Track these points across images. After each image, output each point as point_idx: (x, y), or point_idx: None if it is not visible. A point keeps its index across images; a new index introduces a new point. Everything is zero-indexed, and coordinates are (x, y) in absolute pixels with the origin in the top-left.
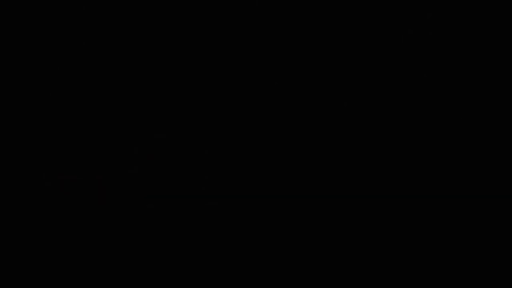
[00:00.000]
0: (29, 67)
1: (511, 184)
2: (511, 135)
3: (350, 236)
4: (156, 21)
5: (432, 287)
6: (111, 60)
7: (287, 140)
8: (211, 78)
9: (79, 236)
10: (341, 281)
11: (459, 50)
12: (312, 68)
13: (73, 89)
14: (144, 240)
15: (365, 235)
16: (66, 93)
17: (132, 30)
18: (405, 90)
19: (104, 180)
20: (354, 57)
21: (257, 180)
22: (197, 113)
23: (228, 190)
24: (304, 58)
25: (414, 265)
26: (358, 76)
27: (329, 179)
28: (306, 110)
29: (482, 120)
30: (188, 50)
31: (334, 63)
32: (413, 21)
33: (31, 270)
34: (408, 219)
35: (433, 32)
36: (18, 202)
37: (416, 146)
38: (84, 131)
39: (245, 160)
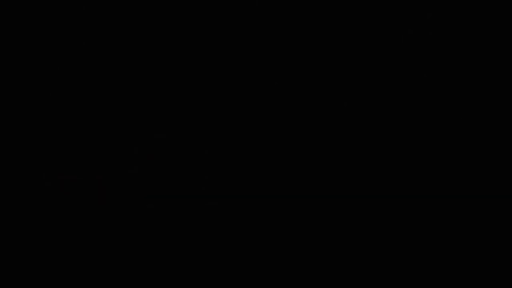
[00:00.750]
0: (29, 67)
1: (511, 184)
2: (511, 135)
3: (350, 236)
4: (156, 21)
5: (432, 287)
6: (111, 60)
7: (287, 140)
8: (211, 78)
9: (79, 236)
10: (341, 281)
11: (459, 50)
12: (312, 68)
13: (73, 89)
14: (144, 240)
15: (365, 235)
16: (66, 93)
17: (132, 30)
18: (405, 90)
19: (104, 180)
20: (354, 57)
21: (257, 180)
22: (197, 113)
23: (228, 190)
24: (304, 58)
25: (414, 265)
26: (358, 76)
27: (329, 179)
28: (306, 110)
29: (482, 120)
30: (188, 50)
31: (334, 63)
32: (413, 21)
33: (31, 270)
34: (408, 219)
35: (433, 32)
36: (18, 202)
37: (416, 146)
38: (84, 131)
39: (245, 160)
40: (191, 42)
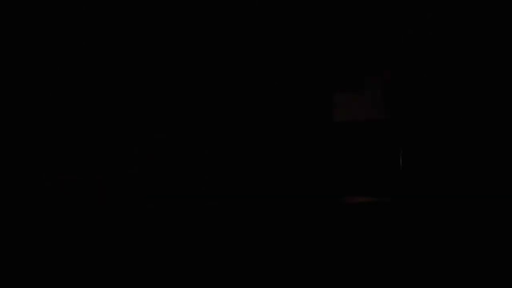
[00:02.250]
0: (29, 67)
1: (511, 184)
2: (511, 135)
3: (349, 236)
4: (156, 21)
5: (432, 287)
6: (111, 60)
7: (287, 140)
8: (211, 78)
9: (79, 236)
10: (341, 281)
11: (459, 50)
12: (312, 68)
13: (73, 89)
14: (144, 240)
15: (364, 235)
16: (66, 93)
17: (132, 30)
18: (404, 90)
19: (104, 180)
20: (354, 57)
21: (257, 180)
22: (197, 113)
23: (228, 190)
24: (304, 58)
25: (414, 265)
26: (358, 76)
27: (329, 179)
28: (306, 110)
29: (482, 119)
30: (188, 50)
31: (334, 63)
32: (413, 21)
33: (31, 269)
34: (408, 219)
35: (433, 32)
36: (18, 202)
37: (415, 146)
38: (84, 131)
39: (244, 160)
40: (191, 42)
